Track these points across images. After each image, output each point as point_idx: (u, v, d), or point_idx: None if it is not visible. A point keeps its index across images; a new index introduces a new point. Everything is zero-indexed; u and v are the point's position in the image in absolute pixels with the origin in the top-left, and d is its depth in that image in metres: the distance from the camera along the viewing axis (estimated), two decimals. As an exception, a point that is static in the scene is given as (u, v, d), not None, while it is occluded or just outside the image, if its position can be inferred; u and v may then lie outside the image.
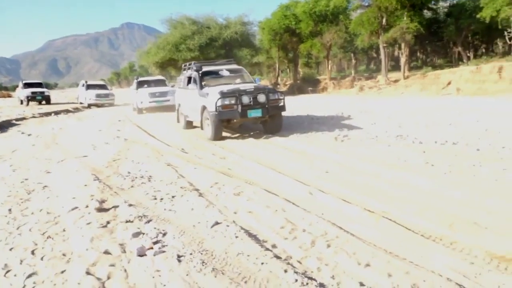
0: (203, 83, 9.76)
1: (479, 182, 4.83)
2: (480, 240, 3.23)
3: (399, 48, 28.26)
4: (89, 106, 24.86)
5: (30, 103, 27.81)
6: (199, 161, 6.97)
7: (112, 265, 3.12)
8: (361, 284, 2.65)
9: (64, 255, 3.38)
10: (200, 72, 10.00)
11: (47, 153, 8.54)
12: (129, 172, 6.26)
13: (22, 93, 28.33)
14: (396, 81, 27.16)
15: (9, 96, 49.04)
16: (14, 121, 16.52)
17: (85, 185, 5.52)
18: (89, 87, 25.95)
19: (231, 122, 9.13)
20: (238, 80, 10.20)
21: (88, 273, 3.00)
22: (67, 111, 22.51)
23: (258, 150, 7.76)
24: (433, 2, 27.07)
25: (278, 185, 5.17)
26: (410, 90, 24.31)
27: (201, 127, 9.42)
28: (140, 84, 19.38)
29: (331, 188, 4.85)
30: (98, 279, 2.91)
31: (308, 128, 10.15)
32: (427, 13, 29.45)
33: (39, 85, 30.35)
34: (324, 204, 4.33)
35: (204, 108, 9.11)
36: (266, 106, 8.76)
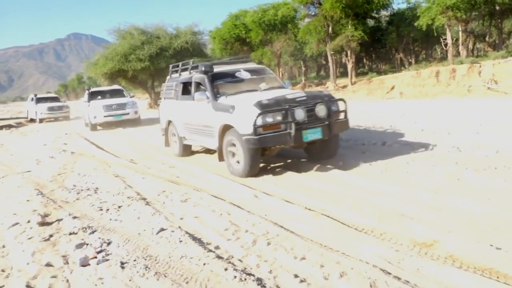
0: (216, 91, 6.63)
1: (410, 178, 5.22)
2: (406, 230, 3.52)
3: (346, 55, 29.37)
4: (41, 121, 22.92)
5: None
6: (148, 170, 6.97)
7: (54, 277, 3.11)
8: (296, 276, 2.83)
9: (3, 271, 3.32)
10: (210, 74, 6.81)
11: (-14, 170, 8.16)
12: (74, 185, 6.15)
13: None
14: (344, 86, 28.21)
15: None
16: (-50, 139, 15.53)
17: (28, 200, 5.38)
18: (39, 100, 24.13)
19: (270, 149, 6.04)
20: (263, 85, 6.97)
21: (28, 286, 2.98)
22: (10, 126, 21.48)
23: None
24: (375, 11, 28.45)
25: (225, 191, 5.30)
26: (357, 95, 25.36)
27: (220, 157, 6.31)
28: (93, 96, 16.90)
29: (275, 189, 5.05)
30: (39, 291, 2.90)
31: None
32: (370, 22, 30.90)
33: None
34: (266, 205, 4.51)
35: (226, 129, 6.08)
36: (328, 122, 5.79)
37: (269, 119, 5.46)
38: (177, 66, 8.47)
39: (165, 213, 4.49)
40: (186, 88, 7.74)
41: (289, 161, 6.82)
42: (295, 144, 5.73)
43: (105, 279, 2.99)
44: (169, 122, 8.37)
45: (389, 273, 2.77)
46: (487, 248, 3.02)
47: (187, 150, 8.10)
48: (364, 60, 42.24)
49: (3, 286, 3.05)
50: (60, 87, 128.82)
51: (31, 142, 13.09)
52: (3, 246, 3.88)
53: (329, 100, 5.91)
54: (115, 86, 19.54)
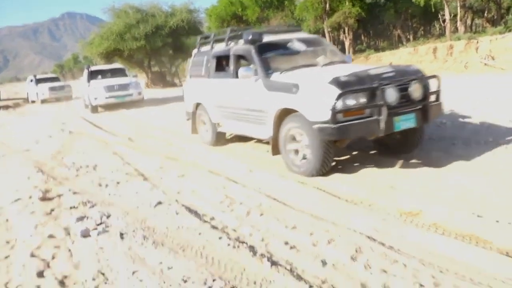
0: (266, 65, 5.25)
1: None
2: (394, 201, 3.67)
3: (344, 32, 29.13)
4: (43, 102, 22.04)
5: None
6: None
7: (57, 247, 3.26)
8: (286, 243, 2.98)
9: (7, 242, 3.47)
10: (258, 44, 5.51)
11: (-14, 150, 8.26)
12: (73, 163, 6.27)
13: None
14: (341, 64, 28.11)
15: None
16: None
17: (28, 178, 5.51)
18: (39, 81, 23.34)
19: (341, 141, 4.56)
20: (322, 59, 5.35)
21: (32, 255, 3.13)
22: (7, 106, 21.47)
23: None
24: (373, -14, 28.14)
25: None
26: (354, 72, 25.33)
27: (275, 150, 5.00)
28: (93, 75, 15.52)
29: (270, 163, 5.18)
30: (43, 260, 3.05)
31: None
32: (368, -2, 30.53)
33: None
34: (261, 179, 4.65)
35: (284, 114, 4.78)
36: (422, 106, 4.44)
37: (352, 102, 4.11)
38: (208, 37, 7.11)
39: (163, 188, 4.63)
40: (220, 64, 6.50)
41: (355, 153, 5.51)
42: (384, 135, 4.26)
43: (105, 249, 3.14)
44: (198, 105, 7.06)
45: (375, 239, 2.93)
46: (469, 216, 3.16)
47: (221, 139, 6.79)
48: (362, 37, 41.90)
49: (9, 255, 3.20)
50: (56, 67, 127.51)
51: (29, 123, 13.15)
52: (7, 220, 4.02)
53: (424, 77, 4.53)
54: (116, 65, 17.88)
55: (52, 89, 22.53)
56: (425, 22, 35.27)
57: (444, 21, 25.85)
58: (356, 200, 3.78)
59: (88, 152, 7.07)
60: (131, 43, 25.98)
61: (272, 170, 4.94)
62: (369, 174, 4.51)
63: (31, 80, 24.14)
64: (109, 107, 14.84)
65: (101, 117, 13.00)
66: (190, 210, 3.83)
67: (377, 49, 32.60)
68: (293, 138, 4.69)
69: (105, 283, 2.65)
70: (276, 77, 5.00)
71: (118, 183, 5.00)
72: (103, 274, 2.76)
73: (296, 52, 5.62)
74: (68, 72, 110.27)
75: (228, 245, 2.99)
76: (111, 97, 14.34)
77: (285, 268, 2.63)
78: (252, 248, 2.94)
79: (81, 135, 9.21)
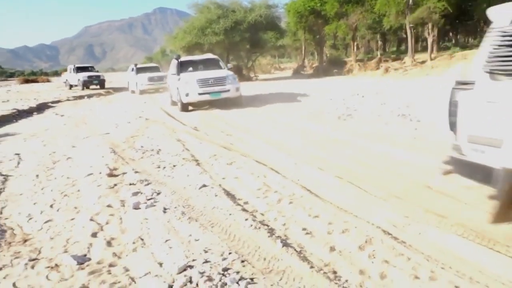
0: None
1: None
2: (426, 201, 3.68)
3: (428, 29, 27.62)
4: (142, 93, 21.48)
5: (73, 88, 27.21)
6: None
7: (111, 215, 3.82)
8: (304, 229, 3.21)
9: (75, 208, 4.13)
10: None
11: (75, 131, 9.45)
12: (142, 146, 7.00)
13: (75, 77, 27.10)
14: (423, 62, 26.72)
15: (48, 81, 51.44)
16: (50, 104, 17.80)
17: (102, 157, 6.30)
18: (139, 70, 22.86)
19: None
20: None
21: (91, 220, 3.72)
22: (99, 94, 23.76)
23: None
24: (463, -21, 26.25)
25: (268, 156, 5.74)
26: (436, 71, 23.93)
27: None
28: (183, 67, 12.87)
29: (317, 158, 5.37)
30: (98, 224, 3.62)
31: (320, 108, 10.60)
32: (458, -9, 28.51)
33: (91, 68, 29.19)
34: (303, 172, 4.87)
35: None
36: None
37: None
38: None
39: (211, 173, 5.06)
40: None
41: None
42: None
43: (149, 219, 3.63)
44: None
45: (389, 234, 3.04)
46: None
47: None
48: (450, 34, 39.30)
49: (74, 218, 3.82)
50: (146, 59, 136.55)
51: (114, 109, 14.57)
52: (78, 191, 4.73)
53: None
54: (209, 55, 15.20)
55: (150, 79, 21.80)
56: (524, 17, 32.06)
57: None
58: (386, 196, 3.85)
59: (156, 138, 7.80)
60: (211, 37, 27.24)
61: (315, 163, 5.13)
62: (406, 173, 4.52)
63: (132, 69, 23.82)
64: (200, 104, 12.37)
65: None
66: (228, 193, 4.20)
67: (465, 47, 30.45)
68: None
69: (142, 246, 3.11)
70: None
71: (174, 166, 5.54)
72: (142, 239, 3.23)
73: None
74: (156, 64, 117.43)
75: (251, 225, 3.29)
76: (205, 93, 11.71)
77: (295, 249, 2.87)
78: (271, 230, 3.21)
79: (155, 123, 10.08)
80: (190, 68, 13.01)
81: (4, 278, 2.79)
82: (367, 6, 29.15)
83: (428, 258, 2.66)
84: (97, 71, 29.42)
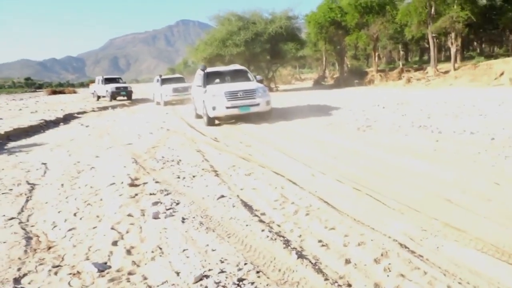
0: None
1: (475, 167, 5.13)
2: (443, 215, 3.64)
3: (451, 38, 27.25)
4: (166, 104, 21.26)
5: (101, 99, 27.79)
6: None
7: (132, 224, 3.92)
8: (320, 241, 3.22)
9: (97, 216, 4.25)
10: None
11: (99, 141, 9.72)
12: (163, 157, 7.14)
13: (104, 88, 27.36)
14: (446, 72, 26.33)
15: (74, 92, 53.02)
16: (76, 114, 18.34)
17: (124, 167, 6.46)
18: (164, 81, 22.64)
19: None
20: None
21: (112, 228, 3.82)
22: (123, 105, 24.32)
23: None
24: (487, -12, 25.87)
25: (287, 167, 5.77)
26: (459, 81, 23.54)
27: None
28: (209, 78, 12.16)
29: (334, 170, 5.37)
30: (119, 232, 3.72)
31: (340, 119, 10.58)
32: (482, 0, 28.13)
33: (119, 80, 29.26)
34: (320, 184, 4.88)
35: None
36: None
37: None
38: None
39: (229, 184, 5.12)
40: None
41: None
42: None
43: (168, 229, 3.71)
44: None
45: (406, 247, 3.02)
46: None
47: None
48: (475, 43, 38.61)
49: (96, 227, 3.94)
50: (169, 70, 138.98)
51: (137, 120, 14.89)
52: (101, 200, 4.87)
53: None
54: (237, 66, 14.19)
55: (175, 90, 21.39)
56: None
57: None
58: (403, 209, 3.83)
59: (176, 148, 7.94)
60: (232, 49, 27.62)
61: (332, 175, 5.13)
62: (425, 186, 4.47)
63: (157, 80, 23.48)
64: (227, 118, 11.61)
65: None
66: (246, 204, 4.25)
67: (489, 57, 29.85)
68: None
69: (160, 255, 3.18)
70: None
71: (193, 176, 5.63)
72: (160, 248, 3.31)
73: None
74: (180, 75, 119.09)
75: (267, 236, 3.33)
76: (233, 106, 10.89)
77: (310, 261, 2.89)
78: (287, 242, 3.24)
79: (176, 133, 10.26)
80: (217, 80, 12.34)
81: (29, 283, 2.90)
82: (388, 16, 29.06)
83: (445, 273, 2.64)
84: (125, 82, 29.64)
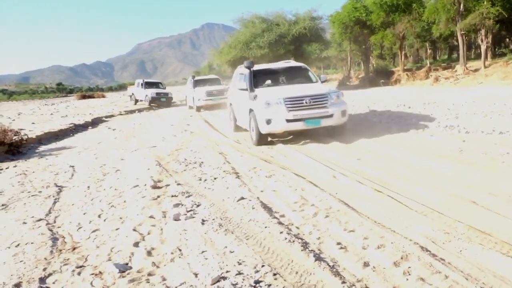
0: None
1: (503, 168, 4.95)
2: (468, 217, 3.53)
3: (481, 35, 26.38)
4: (198, 109, 19.05)
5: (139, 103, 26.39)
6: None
7: (153, 225, 3.99)
8: (338, 243, 3.19)
9: (120, 218, 4.35)
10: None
11: (125, 144, 9.94)
12: (185, 159, 7.23)
13: (143, 93, 25.96)
14: (476, 70, 25.51)
15: (103, 96, 54.40)
16: (104, 118, 18.82)
17: (148, 169, 6.58)
18: (197, 83, 20.34)
19: None
20: None
21: (134, 230, 3.90)
22: (149, 109, 24.76)
23: None
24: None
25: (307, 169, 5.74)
26: (490, 79, 22.76)
27: None
28: (259, 79, 9.04)
29: (355, 171, 5.30)
30: (141, 234, 3.80)
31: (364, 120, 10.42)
32: (514, -5, 27.09)
33: (160, 85, 27.76)
34: (340, 185, 4.83)
35: None
36: None
37: None
38: None
39: (250, 186, 5.14)
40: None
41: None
42: None
43: (188, 231, 3.75)
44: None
45: (428, 250, 2.95)
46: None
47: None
48: (507, 40, 37.27)
49: (118, 228, 4.03)
50: (194, 73, 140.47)
51: (162, 123, 15.15)
52: (124, 201, 4.98)
53: None
54: (292, 62, 10.48)
55: (209, 93, 18.90)
56: None
57: None
58: (426, 211, 3.74)
59: (199, 151, 8.02)
60: (256, 51, 27.71)
61: (353, 176, 5.06)
62: (449, 187, 4.35)
63: (190, 81, 21.50)
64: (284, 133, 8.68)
65: (219, 118, 14.22)
66: (265, 206, 4.25)
67: (523, 53, 28.75)
68: None
69: (179, 257, 3.23)
70: None
71: (215, 178, 5.68)
72: (180, 250, 3.35)
73: None
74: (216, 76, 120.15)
75: (285, 239, 3.32)
76: (297, 119, 7.70)
77: (328, 264, 2.86)
78: (305, 244, 3.22)
79: (199, 136, 10.37)
80: (268, 81, 9.30)
81: (53, 283, 3.00)
82: (414, 14, 28.38)
83: (467, 277, 2.56)
84: (165, 88, 27.88)
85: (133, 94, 27.85)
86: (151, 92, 25.09)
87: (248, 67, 9.16)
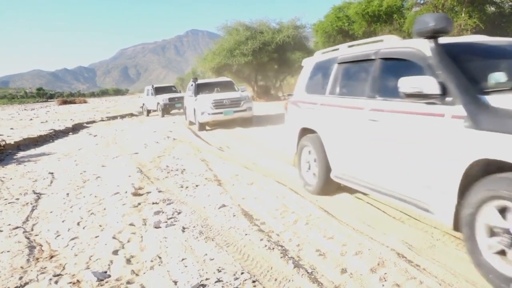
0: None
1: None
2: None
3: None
4: (202, 127, 13.14)
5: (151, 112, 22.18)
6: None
7: (133, 233, 3.97)
8: (317, 250, 3.23)
9: (100, 225, 4.31)
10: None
11: (106, 151, 9.83)
12: (167, 166, 7.20)
13: (154, 100, 21.35)
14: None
15: (85, 102, 53.74)
16: (85, 124, 18.58)
17: (129, 176, 6.53)
18: (199, 88, 14.02)
19: None
20: None
21: (114, 237, 3.87)
22: (132, 115, 24.55)
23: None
24: (496, -4, 25.72)
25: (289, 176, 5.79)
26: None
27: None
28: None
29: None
30: (120, 242, 3.77)
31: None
32: (490, 8, 27.98)
33: (173, 88, 23.76)
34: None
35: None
36: None
37: None
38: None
39: (231, 193, 5.15)
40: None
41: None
42: None
43: (168, 238, 3.74)
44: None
45: (404, 256, 3.01)
46: None
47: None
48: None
49: (98, 236, 3.99)
50: (178, 80, 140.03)
51: (144, 129, 15.04)
52: (104, 209, 4.93)
53: None
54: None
55: (218, 105, 12.83)
56: (562, 32, 30.94)
57: None
58: (404, 218, 3.82)
59: (181, 157, 8.01)
60: (240, 58, 27.74)
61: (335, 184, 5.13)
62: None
63: (191, 85, 14.78)
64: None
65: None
66: (246, 214, 4.28)
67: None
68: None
69: (159, 264, 3.21)
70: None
71: (196, 186, 5.68)
72: (159, 257, 3.34)
73: None
74: (187, 84, 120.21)
75: (265, 246, 3.34)
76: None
77: (306, 270, 2.89)
78: (285, 251, 3.25)
79: (181, 142, 10.34)
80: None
81: (30, 292, 2.95)
82: (395, 24, 28.99)
83: (441, 282, 2.63)
84: (179, 91, 23.24)
85: (144, 104, 23.35)
86: (163, 98, 20.52)
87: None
